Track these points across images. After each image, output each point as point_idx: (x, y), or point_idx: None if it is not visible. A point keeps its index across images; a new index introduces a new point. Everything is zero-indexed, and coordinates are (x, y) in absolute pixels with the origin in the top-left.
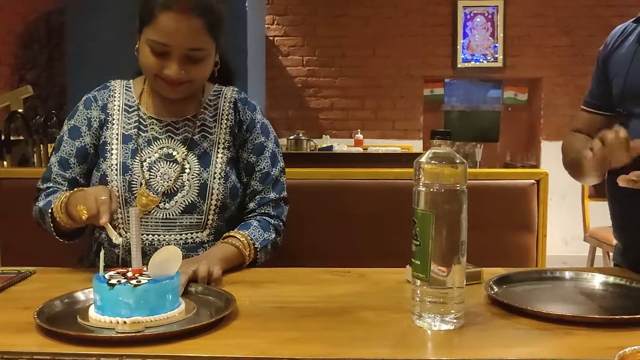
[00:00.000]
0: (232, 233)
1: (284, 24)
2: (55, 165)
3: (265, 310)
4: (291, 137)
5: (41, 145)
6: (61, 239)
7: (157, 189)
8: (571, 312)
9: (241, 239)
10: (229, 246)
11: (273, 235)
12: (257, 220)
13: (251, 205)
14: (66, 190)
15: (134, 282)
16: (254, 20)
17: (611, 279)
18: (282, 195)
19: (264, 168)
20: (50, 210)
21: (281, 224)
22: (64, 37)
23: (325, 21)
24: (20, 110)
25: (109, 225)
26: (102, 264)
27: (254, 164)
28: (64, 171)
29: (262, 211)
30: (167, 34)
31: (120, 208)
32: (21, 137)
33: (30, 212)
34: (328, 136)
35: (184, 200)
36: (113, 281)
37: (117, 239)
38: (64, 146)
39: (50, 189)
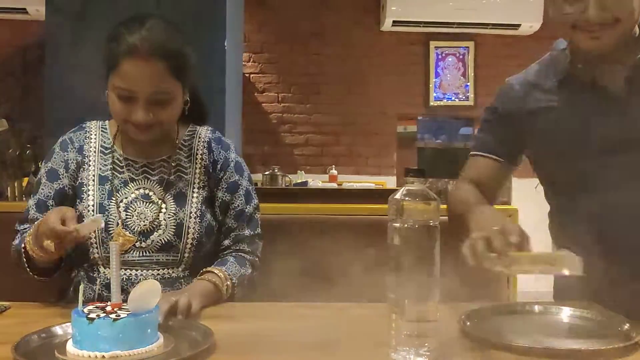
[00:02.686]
0: (210, 269)
1: (260, 62)
2: (32, 208)
3: (243, 345)
4: (266, 173)
5: (15, 179)
6: (37, 276)
7: (134, 229)
8: (541, 345)
9: (219, 275)
10: (207, 283)
11: (249, 271)
12: (233, 256)
13: (226, 242)
14: None
15: (113, 316)
16: (232, 59)
17: (578, 312)
18: (256, 232)
19: (239, 206)
20: (23, 246)
21: (257, 259)
22: (40, 71)
23: (301, 59)
24: None
25: (84, 228)
26: (81, 297)
27: (228, 202)
28: (41, 213)
29: (238, 248)
30: (130, 80)
31: (97, 248)
32: None
33: (6, 246)
34: (303, 172)
35: (160, 239)
36: (92, 315)
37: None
38: (42, 189)
39: (26, 230)
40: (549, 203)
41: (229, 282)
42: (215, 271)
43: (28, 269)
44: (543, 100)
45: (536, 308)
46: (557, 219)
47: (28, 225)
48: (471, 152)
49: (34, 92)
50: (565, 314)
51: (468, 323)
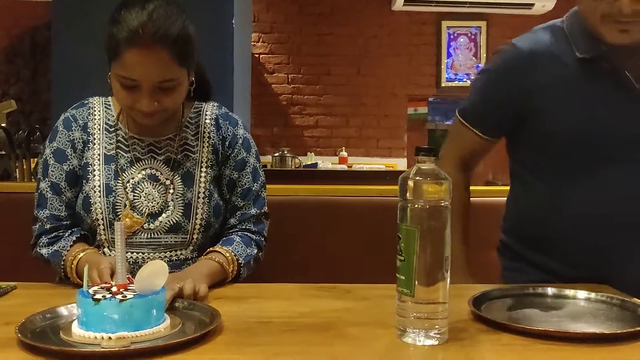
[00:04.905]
0: (216, 249)
1: (270, 42)
2: (48, 192)
3: (250, 326)
4: (276, 154)
5: (24, 160)
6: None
7: (142, 210)
8: (554, 328)
9: (225, 255)
10: (213, 262)
11: (255, 251)
12: (239, 235)
13: (232, 220)
14: (65, 217)
15: (119, 297)
16: (240, 38)
17: (593, 295)
18: (262, 211)
19: (246, 184)
20: (62, 264)
21: (262, 239)
22: (48, 53)
23: (311, 39)
24: (3, 125)
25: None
26: (86, 278)
27: (235, 180)
28: (59, 196)
29: (244, 227)
30: (134, 70)
31: (104, 230)
32: (3, 152)
33: (15, 226)
34: (313, 154)
35: (168, 220)
36: (98, 296)
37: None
38: (52, 171)
39: (52, 234)
40: (518, 185)
41: (235, 263)
42: (222, 251)
43: (63, 275)
44: (558, 75)
45: (549, 291)
46: (532, 202)
47: (49, 212)
48: (459, 112)
49: (42, 74)
50: (579, 296)
51: (479, 305)
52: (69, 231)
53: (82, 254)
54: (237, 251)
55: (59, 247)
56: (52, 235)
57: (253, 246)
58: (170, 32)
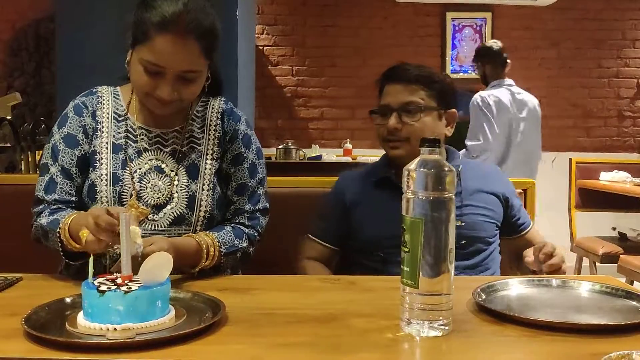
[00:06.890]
0: (202, 232)
1: (274, 34)
2: (58, 176)
3: (255, 317)
4: (280, 147)
5: (29, 153)
6: (68, 259)
7: (148, 201)
8: (558, 319)
9: (207, 239)
10: (192, 240)
11: (244, 244)
12: (231, 226)
13: (227, 214)
14: (74, 202)
15: (124, 288)
16: (244, 30)
17: (597, 287)
18: (257, 207)
19: (241, 179)
20: (58, 231)
21: (256, 234)
22: (53, 45)
23: (315, 31)
24: (8, 118)
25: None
26: (91, 269)
27: (231, 175)
28: (71, 180)
29: (237, 221)
30: (162, 57)
31: None
32: (8, 145)
33: (20, 218)
34: (317, 146)
35: (172, 212)
36: (103, 288)
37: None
38: (63, 156)
39: (55, 206)
40: None
41: (216, 248)
42: (206, 235)
43: (60, 252)
44: (362, 194)
45: (554, 282)
46: None
47: (58, 198)
48: (307, 235)
49: (47, 66)
50: (584, 288)
51: (483, 296)
52: (73, 211)
53: (70, 220)
54: (223, 239)
55: (60, 215)
56: (55, 207)
57: (244, 239)
58: (202, 25)
